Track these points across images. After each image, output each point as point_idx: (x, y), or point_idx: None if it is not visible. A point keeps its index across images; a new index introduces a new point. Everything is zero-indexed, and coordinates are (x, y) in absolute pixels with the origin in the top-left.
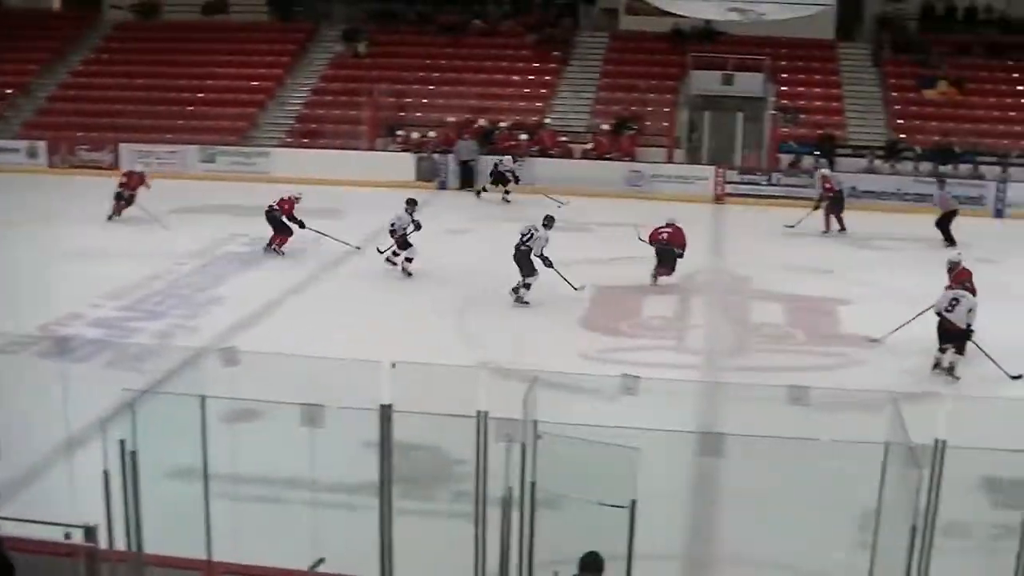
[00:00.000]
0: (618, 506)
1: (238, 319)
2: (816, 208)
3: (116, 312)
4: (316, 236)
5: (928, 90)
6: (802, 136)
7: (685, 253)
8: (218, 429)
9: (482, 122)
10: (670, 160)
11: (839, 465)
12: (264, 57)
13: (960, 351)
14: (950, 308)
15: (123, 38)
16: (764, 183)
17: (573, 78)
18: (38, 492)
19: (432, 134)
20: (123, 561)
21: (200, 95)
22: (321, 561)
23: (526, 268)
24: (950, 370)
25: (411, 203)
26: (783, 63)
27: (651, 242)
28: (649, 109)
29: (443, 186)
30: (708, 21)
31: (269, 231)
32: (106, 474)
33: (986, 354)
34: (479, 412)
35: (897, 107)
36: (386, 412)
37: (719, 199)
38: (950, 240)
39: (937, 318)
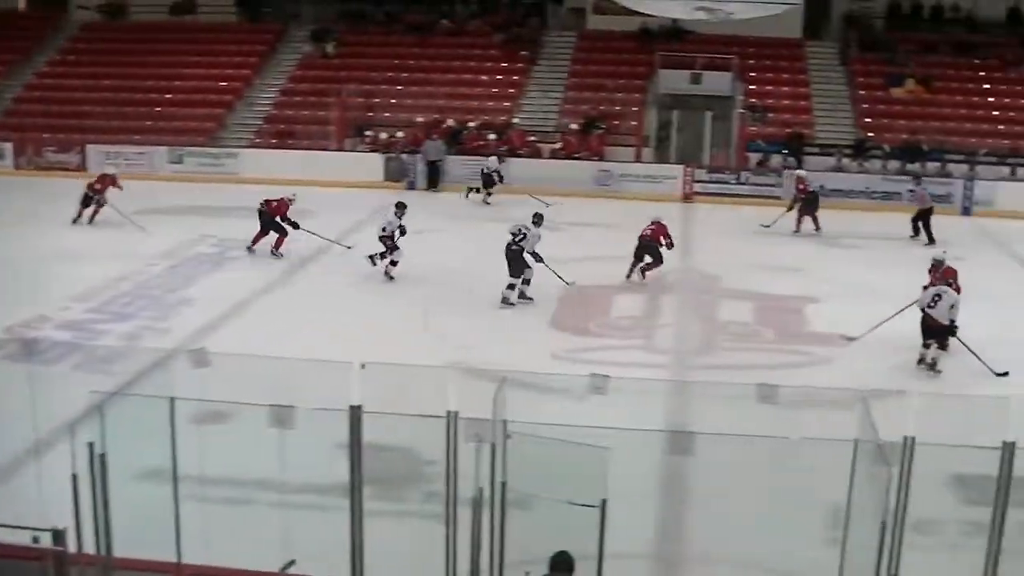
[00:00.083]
0: (588, 505)
1: (207, 320)
2: (791, 208)
3: (84, 314)
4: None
5: (895, 88)
6: (770, 135)
7: (673, 243)
8: (187, 431)
9: (450, 122)
10: (639, 159)
11: (809, 463)
12: (232, 58)
13: (943, 347)
14: (932, 304)
15: (90, 39)
16: (733, 182)
17: (541, 78)
18: (5, 495)
19: (400, 134)
20: (92, 564)
21: (168, 96)
22: (291, 563)
23: (518, 267)
24: (932, 365)
25: (400, 206)
26: (751, 62)
27: (639, 240)
28: (617, 108)
29: (412, 186)
30: (676, 20)
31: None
32: (74, 477)
33: (971, 351)
34: (449, 412)
35: (865, 105)
36: (356, 413)
37: (688, 198)
38: (929, 237)
39: (920, 314)
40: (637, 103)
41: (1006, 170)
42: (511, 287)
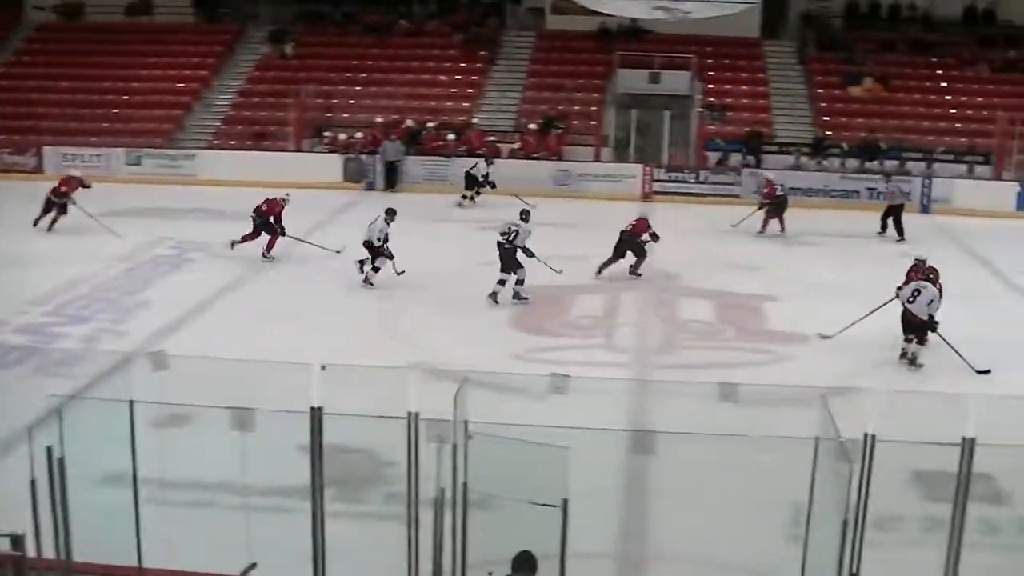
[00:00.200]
0: (550, 505)
1: (166, 323)
2: (760, 208)
3: (42, 318)
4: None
5: (853, 87)
6: (729, 134)
7: (657, 236)
8: (147, 434)
9: (409, 122)
10: (598, 159)
11: (770, 461)
12: (190, 59)
13: (922, 342)
14: (912, 299)
15: (46, 39)
16: (692, 181)
17: (500, 78)
18: None
19: (359, 135)
20: (51, 570)
21: (125, 97)
22: (253, 566)
23: (512, 266)
24: (913, 360)
25: (390, 213)
26: (709, 61)
27: (620, 235)
28: (576, 108)
29: (370, 187)
30: (634, 20)
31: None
32: (33, 482)
33: (952, 348)
34: (410, 413)
35: (823, 104)
36: (316, 415)
37: (647, 197)
38: (900, 232)
39: (900, 310)
40: (596, 103)
41: (963, 168)
42: (501, 282)
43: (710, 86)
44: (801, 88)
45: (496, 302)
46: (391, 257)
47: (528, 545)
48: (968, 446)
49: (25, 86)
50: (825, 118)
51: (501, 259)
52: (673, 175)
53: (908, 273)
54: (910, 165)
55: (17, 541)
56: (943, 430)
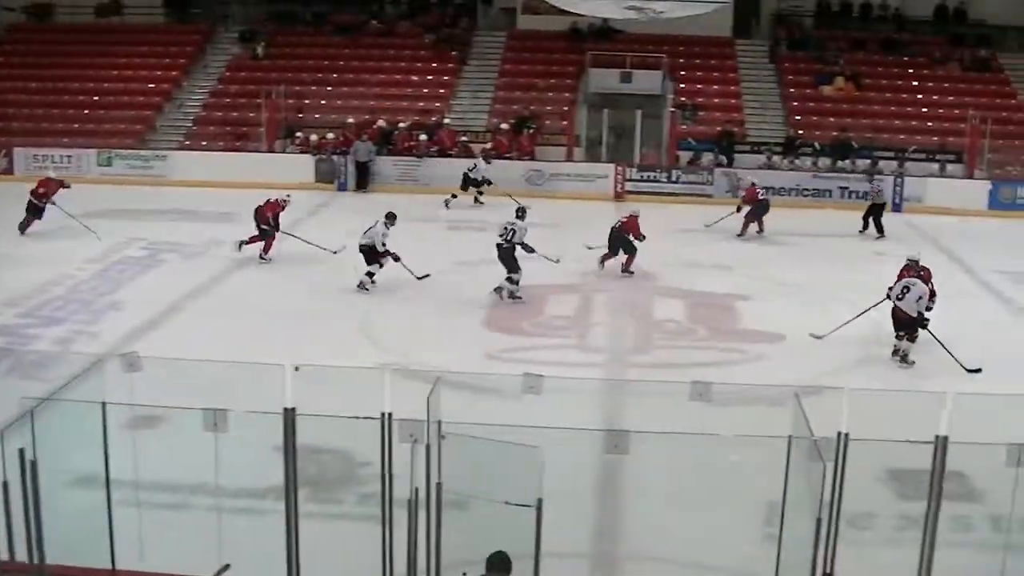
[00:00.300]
0: (524, 505)
1: (139, 324)
2: (739, 210)
3: (13, 319)
4: (213, 239)
5: (825, 86)
6: (701, 133)
7: (644, 236)
8: (120, 436)
9: (381, 123)
10: (570, 159)
11: (743, 460)
12: (161, 59)
13: (911, 339)
14: (901, 296)
15: (15, 40)
16: (664, 180)
17: (471, 78)
18: None
19: (331, 135)
20: (24, 573)
21: (96, 98)
22: (227, 567)
23: (511, 265)
24: (904, 357)
25: (390, 217)
26: (681, 60)
27: (611, 231)
28: (548, 108)
29: (342, 187)
30: (606, 20)
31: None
32: (5, 484)
33: (943, 347)
34: (383, 414)
35: (795, 103)
36: (290, 415)
37: (619, 197)
38: (880, 230)
39: (891, 307)
40: (567, 103)
41: (935, 167)
42: (510, 279)
43: (682, 86)
44: (773, 87)
45: (521, 298)
46: (397, 259)
47: (502, 545)
48: (941, 444)
49: None
50: (797, 117)
51: (501, 260)
52: (645, 175)
53: (901, 272)
54: (882, 164)
55: None
56: (916, 428)
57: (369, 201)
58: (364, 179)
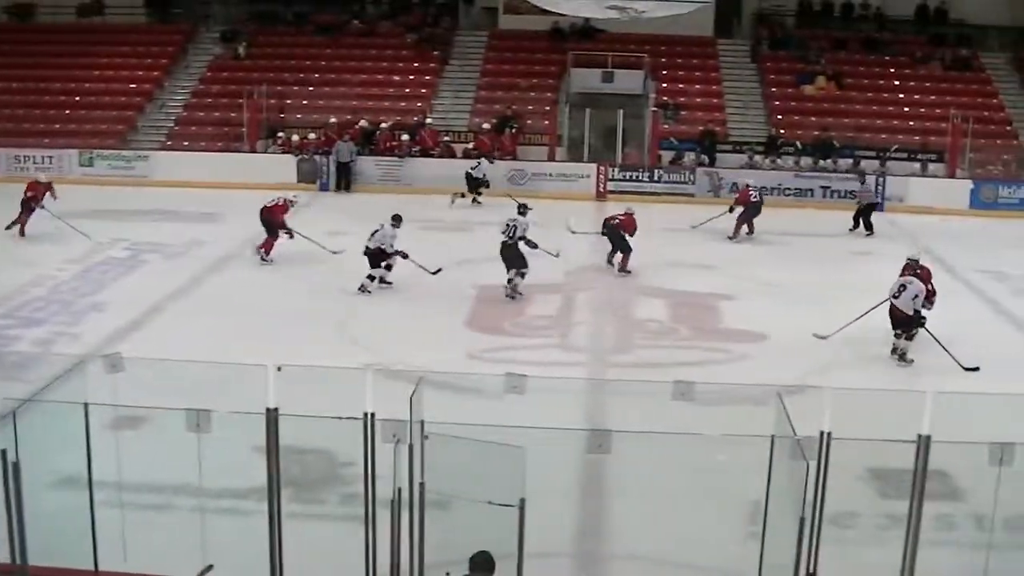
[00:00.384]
0: (507, 505)
1: (121, 324)
2: (731, 211)
3: None
4: (195, 239)
5: (807, 86)
6: (683, 133)
7: (635, 236)
8: (103, 437)
9: (363, 123)
10: (552, 158)
11: (726, 459)
12: (142, 59)
13: (909, 337)
14: (897, 294)
15: None
16: (646, 180)
17: (453, 77)
18: None
19: (312, 135)
20: (6, 574)
21: (77, 98)
22: (210, 568)
23: (518, 262)
24: (903, 356)
25: (396, 219)
26: (663, 60)
27: (604, 226)
28: (530, 108)
29: (324, 187)
30: (587, 19)
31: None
32: None
33: (941, 345)
34: (366, 414)
35: (777, 103)
36: (272, 416)
37: (601, 196)
38: (869, 228)
39: (889, 305)
40: (549, 102)
41: (916, 166)
42: (521, 275)
43: (664, 85)
44: (755, 87)
45: (520, 294)
46: (406, 257)
47: (486, 545)
48: (924, 443)
49: None
50: (779, 117)
51: (504, 258)
52: (627, 174)
53: (903, 271)
54: (864, 163)
55: None
56: (899, 427)
57: (351, 201)
58: (347, 179)
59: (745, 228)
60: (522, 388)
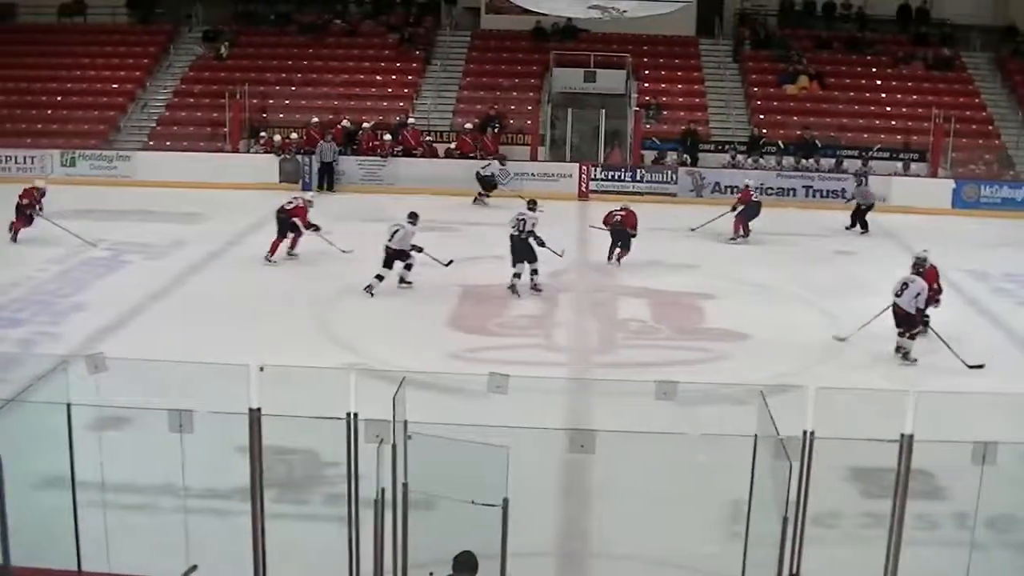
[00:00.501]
0: (491, 505)
1: (103, 324)
2: (733, 209)
3: None
4: (177, 239)
5: (789, 85)
6: (665, 132)
7: (637, 233)
8: (85, 437)
9: (346, 123)
10: (534, 158)
11: (709, 458)
12: (124, 59)
13: (912, 336)
14: (899, 293)
15: None
16: (628, 180)
17: (436, 77)
18: None
19: (295, 135)
20: None
21: (59, 98)
22: (194, 568)
23: (528, 256)
24: (906, 355)
25: (413, 216)
26: (645, 60)
27: (605, 224)
28: (512, 107)
29: (306, 187)
30: (569, 19)
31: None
32: None
33: (944, 343)
34: (349, 414)
35: (759, 102)
36: (255, 416)
37: (583, 196)
38: (864, 227)
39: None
40: (531, 102)
41: (899, 165)
42: (517, 275)
43: (646, 85)
44: (737, 86)
45: (518, 294)
46: (421, 251)
47: (469, 545)
48: (906, 443)
49: None
50: (761, 116)
51: (514, 252)
52: (609, 174)
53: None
54: (847, 163)
55: None
56: (882, 427)
57: (334, 201)
58: (330, 179)
59: (741, 229)
60: (505, 388)
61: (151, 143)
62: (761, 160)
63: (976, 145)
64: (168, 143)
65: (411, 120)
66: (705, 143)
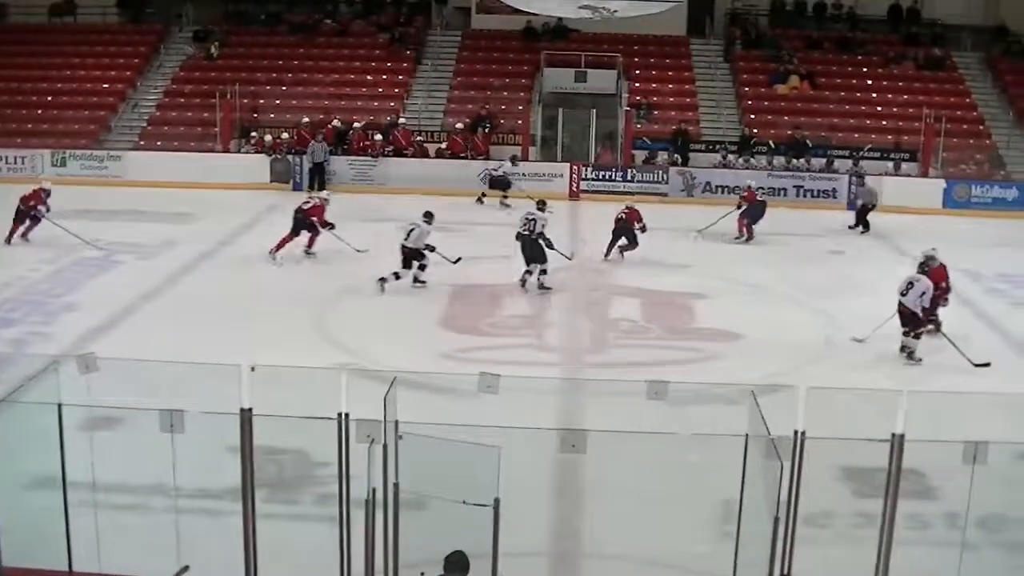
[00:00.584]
0: (482, 505)
1: (94, 324)
2: (739, 207)
3: None
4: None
5: (780, 85)
6: (656, 132)
7: (646, 227)
8: (77, 437)
9: (336, 123)
10: (525, 158)
11: (700, 458)
12: (114, 59)
13: (917, 335)
14: (904, 292)
15: None
16: (619, 179)
17: (426, 77)
18: None
19: (285, 135)
20: None
21: (50, 98)
22: (185, 569)
23: (537, 256)
24: (910, 355)
25: (429, 215)
26: (636, 60)
27: (615, 223)
28: (503, 107)
29: (297, 187)
30: (560, 19)
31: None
32: None
33: (951, 342)
34: (340, 414)
35: (749, 102)
36: (246, 416)
37: (574, 196)
38: (865, 226)
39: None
40: (522, 102)
41: (889, 165)
42: (528, 272)
43: (636, 85)
44: (728, 86)
45: (527, 290)
46: (433, 249)
47: (460, 545)
48: (898, 442)
49: None
50: (752, 116)
51: (524, 251)
52: (600, 174)
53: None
54: (837, 163)
55: None
56: (873, 426)
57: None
58: (320, 179)
59: (745, 231)
60: (496, 388)
61: (142, 143)
62: (752, 160)
63: (967, 145)
64: (159, 143)
65: (402, 120)
66: (696, 143)
